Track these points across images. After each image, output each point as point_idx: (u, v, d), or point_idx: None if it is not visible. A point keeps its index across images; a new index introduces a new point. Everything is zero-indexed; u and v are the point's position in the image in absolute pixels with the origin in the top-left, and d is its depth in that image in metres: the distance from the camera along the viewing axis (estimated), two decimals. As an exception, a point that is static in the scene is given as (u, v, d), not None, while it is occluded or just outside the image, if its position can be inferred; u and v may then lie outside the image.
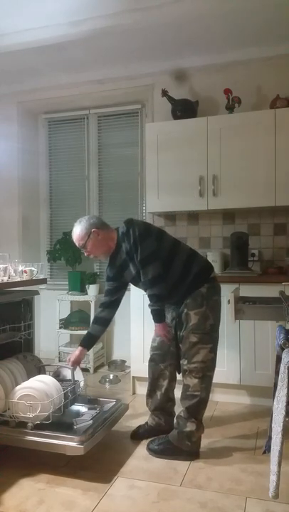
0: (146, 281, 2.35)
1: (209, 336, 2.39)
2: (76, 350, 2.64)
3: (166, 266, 2.39)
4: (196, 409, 2.38)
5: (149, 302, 2.41)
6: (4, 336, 2.58)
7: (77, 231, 2.42)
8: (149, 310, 2.41)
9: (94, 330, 2.65)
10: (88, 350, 2.67)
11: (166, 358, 2.56)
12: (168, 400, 2.63)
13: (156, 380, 2.61)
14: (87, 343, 2.65)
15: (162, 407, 2.62)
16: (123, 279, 2.55)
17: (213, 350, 2.41)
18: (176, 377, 2.62)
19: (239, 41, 3.54)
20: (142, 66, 3.96)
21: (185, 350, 2.41)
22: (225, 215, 3.87)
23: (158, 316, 2.40)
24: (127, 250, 2.39)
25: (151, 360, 2.63)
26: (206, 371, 2.38)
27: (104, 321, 2.64)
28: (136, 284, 2.54)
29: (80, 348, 2.63)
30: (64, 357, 4.19)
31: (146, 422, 2.68)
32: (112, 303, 2.62)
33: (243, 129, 3.45)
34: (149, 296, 2.39)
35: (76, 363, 2.64)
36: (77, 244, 2.44)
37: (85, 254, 2.47)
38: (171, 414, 2.63)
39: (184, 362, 2.42)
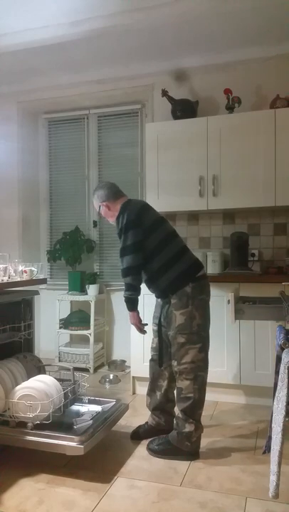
0: (121, 269, 2.44)
1: (197, 336, 2.38)
2: (137, 316, 2.53)
3: (151, 256, 2.41)
4: (192, 410, 2.37)
5: (124, 291, 2.46)
6: (4, 335, 2.57)
7: (93, 199, 2.66)
8: (124, 298, 2.47)
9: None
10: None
11: (165, 359, 2.56)
12: (168, 401, 2.62)
13: (155, 381, 2.62)
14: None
15: (162, 407, 2.62)
16: None
17: (203, 350, 2.40)
18: (175, 378, 2.61)
19: (239, 41, 3.54)
20: (142, 66, 3.96)
21: (174, 352, 2.41)
22: (225, 215, 3.87)
23: (129, 304, 2.46)
24: (117, 232, 2.47)
25: (151, 360, 2.64)
26: (197, 371, 2.37)
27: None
28: None
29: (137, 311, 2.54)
30: (64, 357, 4.19)
31: (147, 422, 2.68)
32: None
33: (243, 129, 3.45)
34: (124, 284, 2.45)
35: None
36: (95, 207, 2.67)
37: (100, 216, 2.68)
38: (171, 415, 2.62)
39: (174, 363, 2.42)
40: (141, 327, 2.53)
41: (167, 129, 3.68)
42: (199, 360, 2.38)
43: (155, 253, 2.41)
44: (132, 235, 2.37)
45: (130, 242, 2.37)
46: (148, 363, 2.68)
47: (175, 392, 2.50)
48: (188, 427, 2.36)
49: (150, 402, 2.65)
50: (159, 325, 2.52)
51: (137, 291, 2.44)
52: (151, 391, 2.64)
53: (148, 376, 2.68)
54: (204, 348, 2.41)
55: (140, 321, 2.53)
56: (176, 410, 2.49)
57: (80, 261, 4.27)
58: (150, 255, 2.41)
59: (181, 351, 2.37)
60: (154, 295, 2.60)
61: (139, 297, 2.47)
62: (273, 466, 1.62)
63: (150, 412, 2.67)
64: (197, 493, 2.06)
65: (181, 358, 2.37)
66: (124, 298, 2.47)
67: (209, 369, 2.47)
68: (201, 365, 2.39)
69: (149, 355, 2.67)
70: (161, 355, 2.54)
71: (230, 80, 3.74)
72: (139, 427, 2.68)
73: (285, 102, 3.50)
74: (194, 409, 2.38)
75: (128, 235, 2.38)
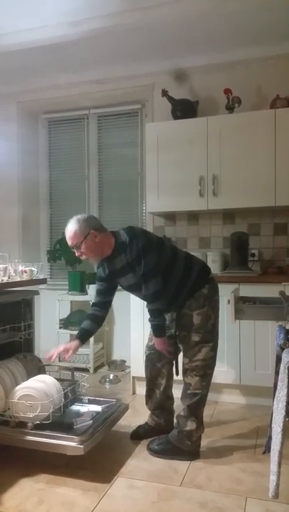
0: (148, 295, 2.34)
1: (211, 335, 2.41)
2: (72, 342, 2.51)
3: (167, 274, 2.36)
4: (196, 406, 2.39)
5: (149, 317, 2.39)
6: (4, 335, 2.57)
7: (73, 229, 2.32)
8: (150, 324, 2.40)
9: (90, 326, 2.56)
10: (82, 344, 2.55)
11: (163, 357, 2.56)
12: (167, 398, 2.63)
13: (154, 380, 2.62)
14: (84, 337, 2.54)
15: (162, 405, 2.63)
16: (115, 283, 2.53)
17: (214, 349, 2.42)
18: (173, 375, 2.62)
19: (239, 41, 3.54)
20: (142, 66, 3.95)
21: (187, 350, 2.41)
22: (225, 215, 3.87)
23: (159, 331, 2.39)
24: (128, 261, 2.32)
25: (147, 360, 2.63)
26: (206, 369, 2.39)
27: (101, 320, 2.59)
28: (131, 291, 2.53)
29: (76, 340, 2.51)
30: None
31: (146, 422, 2.68)
32: (105, 303, 2.59)
33: (243, 129, 3.45)
34: (150, 310, 2.37)
35: (70, 350, 2.46)
36: (70, 242, 2.34)
37: (76, 254, 2.37)
38: (171, 413, 2.64)
39: (185, 361, 2.42)
40: (170, 351, 2.47)
41: (167, 129, 3.68)
42: (210, 359, 2.39)
43: (168, 271, 2.37)
44: (152, 258, 2.29)
45: (152, 264, 2.29)
46: (144, 363, 2.66)
47: (176, 388, 2.49)
48: (190, 425, 2.36)
49: (150, 402, 2.65)
50: (172, 327, 2.48)
51: (164, 315, 2.40)
52: (150, 391, 2.64)
53: (145, 376, 2.67)
54: (215, 347, 2.43)
55: (169, 344, 2.46)
56: (177, 409, 2.49)
57: (80, 261, 4.25)
58: (167, 272, 2.37)
59: (195, 349, 2.38)
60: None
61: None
62: (273, 466, 1.61)
63: (150, 413, 2.67)
64: (197, 493, 2.06)
65: (194, 355, 2.38)
66: (152, 325, 2.39)
67: (209, 369, 2.47)
68: (210, 364, 2.41)
69: None
70: (177, 361, 2.53)
71: (230, 79, 3.73)
72: (139, 427, 2.68)
73: (285, 102, 3.50)
74: (199, 406, 2.39)
75: (148, 258, 2.28)
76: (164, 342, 2.42)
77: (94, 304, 2.61)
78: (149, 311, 2.39)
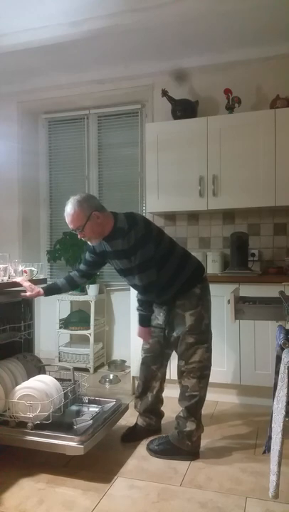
0: (140, 286, 2.33)
1: (205, 336, 2.41)
2: (37, 288, 2.51)
3: (160, 266, 2.36)
4: (195, 408, 2.39)
5: (137, 306, 2.41)
6: (4, 335, 2.57)
7: (75, 211, 2.24)
8: (137, 313, 2.42)
9: (62, 286, 2.58)
10: (45, 295, 2.55)
11: (158, 360, 2.57)
12: (158, 401, 2.66)
13: (148, 382, 2.62)
14: (51, 292, 2.57)
15: (152, 408, 2.63)
16: (105, 260, 2.51)
17: (209, 350, 2.42)
18: (165, 378, 2.65)
19: (239, 41, 3.54)
20: (142, 66, 3.96)
21: (182, 352, 2.41)
22: (225, 215, 3.87)
23: (144, 321, 2.42)
24: (123, 248, 2.29)
25: (143, 362, 2.63)
26: (203, 370, 2.39)
27: (75, 285, 2.63)
28: (120, 274, 2.50)
29: (40, 288, 2.53)
30: (64, 357, 4.19)
31: (136, 423, 2.68)
32: (88, 275, 2.62)
33: (243, 129, 3.45)
34: (140, 301, 2.39)
35: (30, 293, 2.48)
36: (72, 225, 2.28)
37: (79, 236, 2.32)
38: (161, 415, 2.69)
39: (181, 363, 2.42)
40: (149, 340, 2.51)
41: (167, 129, 3.68)
42: (206, 360, 2.39)
43: (164, 261, 2.37)
44: (148, 250, 2.27)
45: (148, 256, 2.28)
46: (140, 366, 2.66)
47: (170, 389, 2.50)
48: (190, 426, 2.37)
49: (140, 404, 2.64)
50: (167, 328, 2.49)
51: (152, 307, 2.40)
52: (143, 394, 2.63)
53: (139, 378, 2.68)
54: (210, 348, 2.44)
55: (150, 335, 2.49)
56: (174, 409, 2.49)
57: (80, 261, 4.26)
58: (161, 263, 2.35)
59: (190, 351, 2.38)
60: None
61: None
62: (273, 466, 1.62)
63: (139, 414, 2.67)
64: (197, 493, 2.06)
65: (190, 357, 2.38)
66: (139, 314, 2.41)
67: (210, 369, 2.48)
68: (207, 365, 2.41)
69: None
70: (169, 356, 2.58)
71: (230, 80, 3.74)
72: (129, 429, 2.67)
73: (285, 102, 3.50)
74: (198, 407, 2.40)
75: (145, 249, 2.27)
76: (146, 332, 2.45)
77: (77, 270, 2.61)
78: (138, 301, 2.40)
